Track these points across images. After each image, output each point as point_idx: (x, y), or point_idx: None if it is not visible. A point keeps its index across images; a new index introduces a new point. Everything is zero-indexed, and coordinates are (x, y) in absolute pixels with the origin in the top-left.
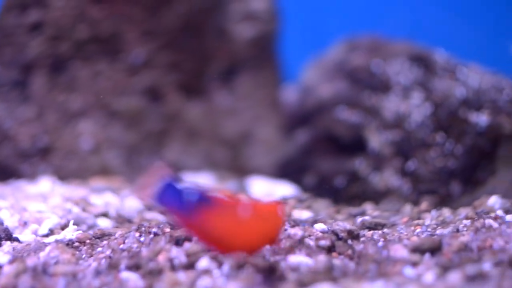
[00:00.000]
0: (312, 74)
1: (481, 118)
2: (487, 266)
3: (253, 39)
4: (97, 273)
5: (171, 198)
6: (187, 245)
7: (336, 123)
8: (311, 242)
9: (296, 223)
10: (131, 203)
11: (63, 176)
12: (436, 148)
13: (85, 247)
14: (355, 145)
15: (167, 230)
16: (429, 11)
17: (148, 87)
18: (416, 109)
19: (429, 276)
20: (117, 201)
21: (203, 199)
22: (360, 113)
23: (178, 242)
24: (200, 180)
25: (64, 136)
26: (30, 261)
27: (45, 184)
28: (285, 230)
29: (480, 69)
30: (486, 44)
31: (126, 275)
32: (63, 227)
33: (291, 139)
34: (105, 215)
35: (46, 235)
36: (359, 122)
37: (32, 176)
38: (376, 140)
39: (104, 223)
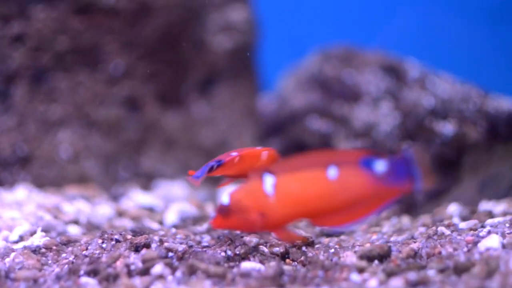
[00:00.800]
0: (287, 84)
1: (447, 128)
2: (431, 272)
3: (231, 50)
4: (58, 278)
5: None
6: (144, 251)
7: (307, 132)
8: (265, 249)
9: None
10: (103, 211)
11: (42, 184)
12: None
13: (51, 253)
14: None
15: (129, 237)
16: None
17: (127, 97)
18: (384, 118)
19: (373, 282)
20: (89, 208)
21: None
22: (330, 122)
23: (137, 249)
24: (174, 188)
25: (44, 145)
26: None
27: (21, 192)
28: (241, 237)
29: (451, 79)
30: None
31: (85, 280)
32: (33, 233)
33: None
34: (75, 222)
35: (16, 242)
36: (329, 131)
37: (11, 184)
38: (345, 147)
39: (74, 230)
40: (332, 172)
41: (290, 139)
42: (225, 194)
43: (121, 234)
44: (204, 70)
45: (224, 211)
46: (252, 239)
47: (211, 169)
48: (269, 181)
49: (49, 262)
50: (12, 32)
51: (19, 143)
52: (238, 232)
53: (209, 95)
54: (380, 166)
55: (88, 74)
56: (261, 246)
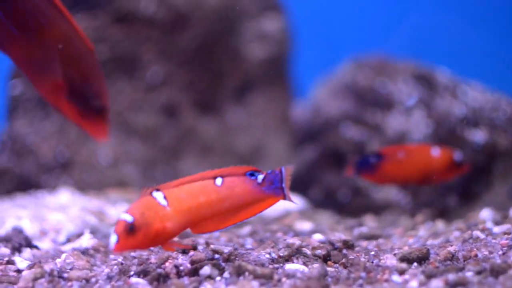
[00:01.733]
0: (321, 92)
1: (478, 136)
2: (469, 274)
3: (265, 58)
4: (109, 278)
5: None
6: (192, 253)
7: (341, 140)
8: (308, 251)
9: (296, 234)
10: None
11: (83, 188)
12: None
13: (99, 255)
14: None
15: (175, 238)
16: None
17: (164, 105)
18: (417, 126)
19: (414, 283)
20: None
21: None
22: (364, 130)
23: (184, 251)
24: None
25: (84, 151)
26: (47, 267)
27: (65, 195)
28: (284, 240)
29: (481, 87)
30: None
31: (135, 280)
32: (79, 235)
33: (299, 154)
34: None
35: (64, 243)
36: (363, 139)
37: (53, 187)
38: None
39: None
40: (219, 181)
41: (325, 146)
42: (121, 214)
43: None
44: (239, 78)
45: (128, 229)
46: (295, 242)
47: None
48: (159, 195)
49: (97, 263)
50: None
51: (60, 148)
52: (145, 253)
53: (244, 102)
54: (260, 178)
55: (127, 81)
56: (303, 249)
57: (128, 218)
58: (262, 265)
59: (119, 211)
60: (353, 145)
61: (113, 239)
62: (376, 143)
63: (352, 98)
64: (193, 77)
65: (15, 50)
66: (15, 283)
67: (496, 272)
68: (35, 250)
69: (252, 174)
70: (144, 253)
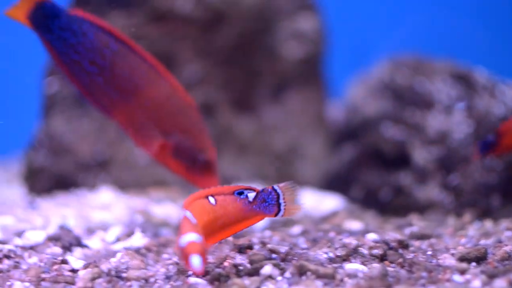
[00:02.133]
0: (357, 91)
1: None
2: None
3: (301, 57)
4: (167, 278)
5: None
6: (251, 252)
7: (382, 139)
8: (365, 251)
9: (349, 233)
10: None
11: (122, 186)
12: (477, 164)
13: (151, 254)
14: (399, 160)
15: (230, 238)
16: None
17: (201, 103)
18: (458, 126)
19: (477, 283)
20: (176, 210)
21: None
22: (404, 129)
23: (240, 250)
24: None
25: (122, 149)
26: (104, 266)
27: (106, 194)
28: (340, 240)
29: None
30: None
31: (194, 280)
32: (129, 234)
33: (337, 153)
34: (166, 224)
35: (113, 243)
36: (403, 138)
37: (92, 186)
38: (420, 155)
39: (166, 232)
40: (212, 200)
41: (364, 146)
42: (188, 236)
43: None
44: (275, 77)
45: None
46: (351, 241)
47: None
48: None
49: (150, 262)
50: None
51: (98, 146)
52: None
53: (280, 101)
54: (251, 196)
55: None
56: (360, 248)
57: (197, 237)
58: (321, 264)
59: (164, 210)
60: (393, 144)
61: (198, 262)
62: (417, 142)
63: (391, 97)
64: (230, 75)
65: (117, 114)
66: (72, 283)
67: None
68: (85, 249)
69: (241, 193)
70: None
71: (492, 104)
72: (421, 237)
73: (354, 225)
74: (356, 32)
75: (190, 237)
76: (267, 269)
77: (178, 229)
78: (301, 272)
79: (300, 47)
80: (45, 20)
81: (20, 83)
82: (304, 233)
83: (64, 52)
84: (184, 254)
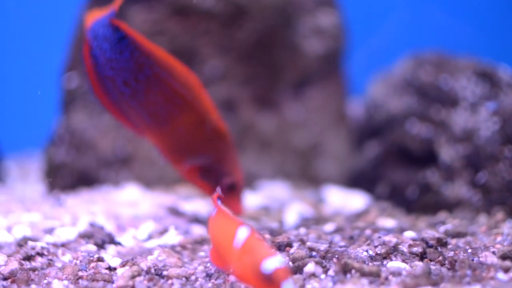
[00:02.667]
0: (379, 89)
1: None
2: None
3: (322, 53)
4: (208, 276)
5: None
6: (293, 250)
7: (407, 137)
8: (404, 248)
9: (386, 231)
10: None
11: (145, 183)
12: (505, 161)
13: (186, 251)
14: (426, 157)
15: (268, 236)
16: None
17: (224, 99)
18: (485, 123)
19: None
20: (205, 207)
21: None
22: (430, 127)
23: (280, 248)
24: (276, 188)
25: (144, 146)
26: (144, 264)
27: (132, 190)
28: (379, 237)
29: None
30: None
31: (234, 278)
32: (161, 232)
33: (360, 150)
34: (197, 220)
35: (146, 240)
36: (430, 135)
37: (115, 182)
38: (447, 153)
39: (197, 230)
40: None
41: (390, 143)
42: (275, 260)
43: (260, 233)
44: (296, 74)
45: None
46: (390, 239)
47: None
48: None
49: (186, 260)
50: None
51: (120, 142)
52: None
53: (302, 98)
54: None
55: None
56: (399, 246)
57: (281, 260)
58: (364, 262)
59: (194, 206)
60: (420, 141)
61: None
62: (443, 140)
63: (415, 95)
64: (251, 71)
65: (151, 136)
66: (110, 281)
67: None
68: (119, 247)
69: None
70: None
71: None
72: (457, 235)
73: (388, 222)
74: (377, 29)
75: (277, 261)
76: (310, 267)
77: (247, 249)
78: (345, 270)
79: (321, 43)
80: (97, 27)
81: (32, 82)
82: (338, 230)
83: (100, 65)
84: (273, 281)
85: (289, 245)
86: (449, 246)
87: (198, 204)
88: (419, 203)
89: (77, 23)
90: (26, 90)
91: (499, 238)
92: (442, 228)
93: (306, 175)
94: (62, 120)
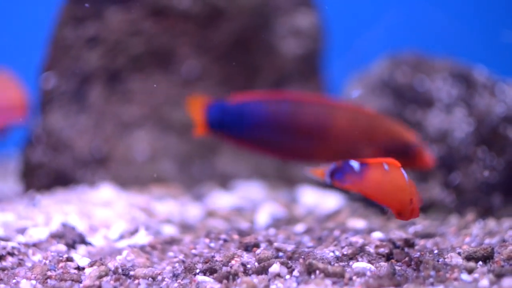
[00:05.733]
0: (356, 89)
1: None
2: None
3: (299, 54)
4: (175, 276)
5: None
6: (259, 251)
7: None
8: (371, 249)
9: (354, 232)
10: (194, 210)
11: (121, 183)
12: (479, 162)
13: (156, 252)
14: None
15: (236, 236)
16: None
17: None
18: (459, 124)
19: (485, 282)
20: (178, 208)
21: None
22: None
23: (247, 248)
24: (251, 189)
25: (120, 146)
26: (111, 264)
27: (107, 191)
28: (346, 238)
29: None
30: None
31: (201, 278)
32: (132, 232)
33: None
34: (168, 221)
35: (117, 240)
36: None
37: (91, 183)
38: None
39: (169, 230)
40: None
41: None
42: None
43: (227, 234)
44: (274, 74)
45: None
46: (357, 240)
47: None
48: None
49: (155, 260)
50: (87, 33)
51: (96, 142)
52: (205, 250)
53: None
54: None
55: (162, 76)
56: (366, 247)
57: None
58: (329, 263)
59: (167, 207)
60: None
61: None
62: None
63: (391, 95)
64: (229, 71)
65: (320, 155)
66: (78, 281)
67: None
68: (89, 247)
69: None
70: (205, 251)
71: (493, 103)
72: (426, 236)
73: (358, 223)
74: (355, 30)
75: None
76: (275, 267)
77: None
78: (310, 270)
79: (299, 44)
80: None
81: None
82: (308, 231)
83: (247, 134)
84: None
85: (257, 245)
86: (416, 247)
87: (171, 204)
88: None
89: (54, 23)
90: None
91: (467, 239)
92: (411, 229)
93: (283, 175)
94: (39, 120)
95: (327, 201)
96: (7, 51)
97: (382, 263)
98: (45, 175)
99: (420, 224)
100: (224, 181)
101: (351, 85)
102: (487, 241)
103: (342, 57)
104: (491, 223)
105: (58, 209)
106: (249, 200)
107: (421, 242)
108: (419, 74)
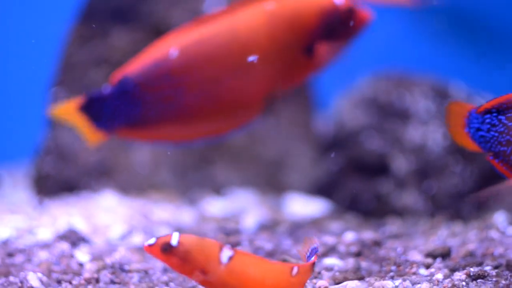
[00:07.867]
0: (342, 104)
1: None
2: (488, 268)
3: None
4: (165, 270)
5: None
6: (239, 248)
7: (364, 152)
8: (342, 248)
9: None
10: (188, 214)
11: (123, 189)
12: (452, 173)
13: None
14: (380, 169)
15: (221, 236)
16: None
17: None
18: (433, 139)
19: (439, 275)
20: (174, 212)
21: None
22: (385, 142)
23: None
24: (243, 195)
25: (124, 158)
26: (109, 260)
27: (110, 196)
28: (321, 238)
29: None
30: None
31: None
32: (130, 233)
33: (324, 162)
34: (164, 224)
35: (116, 240)
36: (385, 151)
37: (94, 190)
38: (399, 165)
39: (164, 232)
40: None
41: (348, 157)
42: (175, 235)
43: (215, 234)
44: None
45: (167, 249)
46: (331, 240)
47: None
48: (227, 253)
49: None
50: (94, 52)
51: (102, 155)
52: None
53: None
54: None
55: None
56: (338, 246)
57: (174, 241)
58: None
59: (164, 211)
60: (376, 156)
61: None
62: (396, 153)
63: (373, 111)
64: None
65: None
66: (79, 274)
67: (511, 266)
68: (91, 246)
69: None
70: None
71: None
72: (395, 236)
73: (335, 226)
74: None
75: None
76: None
77: None
78: None
79: None
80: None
81: (24, 91)
82: (289, 233)
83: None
84: None
85: (239, 244)
86: (384, 246)
87: (167, 209)
88: (374, 211)
89: (64, 39)
90: (14, 103)
91: (431, 239)
92: (383, 231)
93: (273, 183)
94: (49, 133)
95: (312, 207)
96: (20, 64)
97: (350, 260)
98: (53, 184)
99: (392, 226)
100: (218, 188)
101: (338, 100)
102: (449, 241)
103: (333, 73)
104: (458, 225)
105: (63, 212)
106: (239, 205)
107: (389, 242)
108: (400, 90)
